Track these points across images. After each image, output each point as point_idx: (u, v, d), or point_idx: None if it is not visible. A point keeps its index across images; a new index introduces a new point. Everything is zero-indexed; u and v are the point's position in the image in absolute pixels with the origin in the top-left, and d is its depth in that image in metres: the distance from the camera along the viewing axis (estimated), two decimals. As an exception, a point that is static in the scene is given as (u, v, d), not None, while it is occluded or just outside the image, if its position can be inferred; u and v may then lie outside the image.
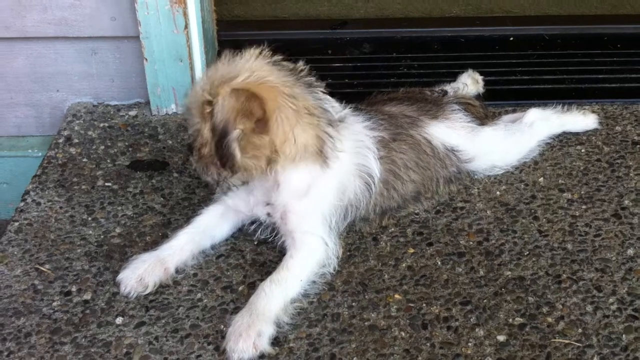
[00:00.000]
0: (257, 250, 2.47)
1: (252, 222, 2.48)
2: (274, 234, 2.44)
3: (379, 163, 2.46)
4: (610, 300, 2.26)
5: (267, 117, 2.20)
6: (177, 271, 2.37)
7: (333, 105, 2.39)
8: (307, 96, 2.30)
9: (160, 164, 2.87)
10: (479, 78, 3.13)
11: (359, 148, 2.43)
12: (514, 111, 3.04)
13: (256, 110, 2.18)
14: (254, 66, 2.25)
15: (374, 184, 2.45)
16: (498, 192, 2.67)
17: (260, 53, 2.30)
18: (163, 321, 2.23)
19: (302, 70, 2.33)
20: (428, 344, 2.14)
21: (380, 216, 2.54)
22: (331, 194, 2.39)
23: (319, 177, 2.35)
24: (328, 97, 2.38)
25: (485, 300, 2.26)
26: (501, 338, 2.15)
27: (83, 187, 2.76)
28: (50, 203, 2.68)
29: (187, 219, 2.50)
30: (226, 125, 2.17)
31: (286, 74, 2.29)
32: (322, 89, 2.36)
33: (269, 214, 2.42)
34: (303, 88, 2.31)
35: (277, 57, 2.32)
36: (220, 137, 2.18)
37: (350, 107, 2.53)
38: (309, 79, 2.34)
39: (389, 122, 2.57)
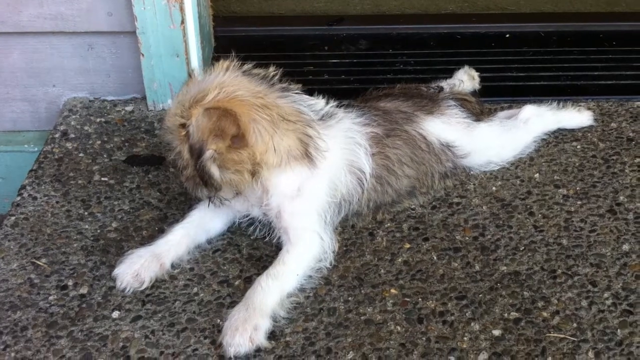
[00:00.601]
0: (254, 245, 2.47)
1: (250, 224, 2.49)
2: (270, 231, 2.44)
3: (370, 159, 2.46)
4: (605, 295, 2.27)
5: (242, 132, 2.21)
6: (172, 266, 2.38)
7: (311, 104, 2.40)
8: (281, 102, 2.30)
9: (156, 159, 2.87)
10: (475, 74, 3.14)
11: (349, 144, 2.44)
12: (509, 107, 3.05)
13: (229, 127, 2.19)
14: (223, 81, 2.25)
15: (366, 180, 2.46)
16: (494, 188, 2.68)
17: (229, 65, 2.30)
18: (159, 315, 2.23)
19: (274, 76, 2.34)
20: (424, 338, 2.15)
21: (374, 211, 2.55)
22: (323, 191, 2.40)
23: (308, 177, 2.36)
24: (305, 97, 2.38)
25: (480, 295, 2.27)
26: (496, 332, 2.16)
27: (79, 181, 2.76)
28: (46, 197, 2.68)
29: (184, 214, 2.50)
30: (201, 147, 2.19)
31: (258, 83, 2.30)
32: (296, 91, 2.36)
33: (264, 214, 2.42)
34: (277, 94, 2.31)
35: (247, 67, 2.32)
36: (197, 157, 2.20)
37: (343, 104, 2.54)
38: (281, 84, 2.34)
39: (383, 118, 2.58)
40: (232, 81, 2.26)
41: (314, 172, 2.35)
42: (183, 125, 2.20)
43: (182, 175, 2.33)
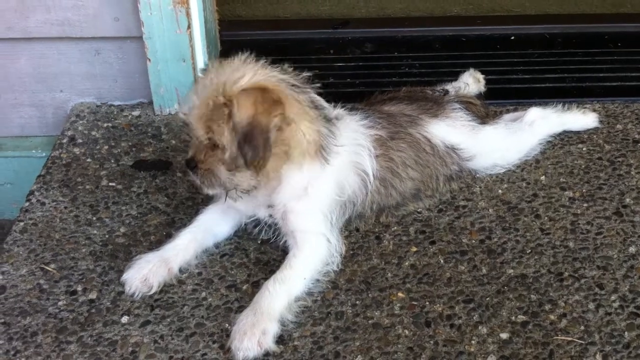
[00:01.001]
0: (261, 249, 2.48)
1: (255, 225, 2.49)
2: (277, 234, 2.45)
3: (374, 161, 2.47)
4: (612, 297, 2.27)
5: (285, 112, 2.23)
6: (180, 270, 2.39)
7: (324, 105, 2.41)
8: (301, 97, 2.32)
9: (163, 163, 2.88)
10: (480, 77, 3.15)
11: (354, 146, 2.45)
12: (515, 110, 3.05)
13: (276, 106, 2.20)
14: (252, 67, 2.26)
15: (369, 182, 2.47)
16: (500, 191, 2.69)
17: (246, 58, 2.30)
18: (168, 320, 2.25)
19: (291, 71, 2.35)
20: (431, 342, 2.16)
21: (377, 214, 2.55)
22: (331, 190, 2.41)
23: (317, 175, 2.37)
24: (318, 97, 2.40)
25: (488, 298, 2.28)
26: (504, 336, 2.17)
27: (87, 187, 2.77)
28: (54, 203, 2.70)
29: (191, 219, 2.51)
30: (255, 122, 2.17)
31: (279, 74, 2.31)
32: (314, 88, 2.37)
33: (270, 216, 2.43)
34: (298, 87, 2.33)
35: (263, 60, 2.32)
36: (244, 137, 2.18)
37: (348, 107, 2.55)
38: (301, 77, 2.36)
39: (388, 121, 2.58)
40: (259, 69, 2.27)
41: (325, 169, 2.36)
42: (225, 105, 2.18)
43: (204, 166, 2.27)
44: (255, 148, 2.19)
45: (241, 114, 2.17)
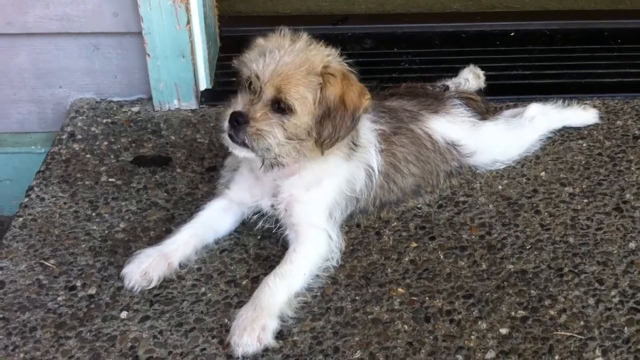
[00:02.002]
0: (261, 245, 2.48)
1: (255, 214, 2.48)
2: (277, 226, 2.44)
3: (379, 156, 2.47)
4: (612, 293, 2.27)
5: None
6: (180, 266, 2.39)
7: None
8: None
9: (163, 159, 2.88)
10: (481, 73, 3.14)
11: (363, 141, 2.45)
12: (515, 106, 3.05)
13: (365, 91, 2.28)
14: (324, 49, 2.32)
15: (375, 177, 2.47)
16: (500, 187, 2.68)
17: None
18: (167, 315, 2.24)
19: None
20: (431, 337, 2.15)
21: (379, 209, 2.55)
22: (343, 185, 2.42)
23: (336, 167, 2.38)
24: None
25: (487, 294, 2.28)
26: (504, 331, 2.16)
27: (87, 182, 2.77)
28: (54, 199, 2.69)
29: (191, 214, 2.51)
30: (348, 102, 2.22)
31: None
32: None
33: (273, 206, 2.42)
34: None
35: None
36: (330, 112, 2.21)
37: None
38: None
39: (390, 116, 2.59)
40: (332, 54, 2.33)
41: (348, 162, 2.40)
42: (321, 75, 2.21)
43: (268, 124, 2.21)
44: (336, 127, 2.22)
45: (336, 90, 2.21)
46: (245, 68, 2.26)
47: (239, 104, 2.23)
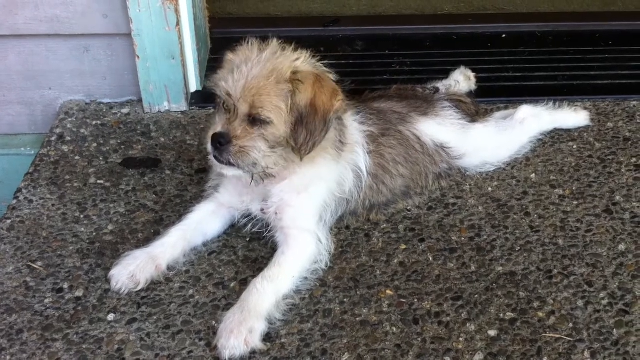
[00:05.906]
0: (249, 247, 2.47)
1: (245, 217, 2.47)
2: (266, 229, 2.43)
3: (368, 157, 2.47)
4: (601, 295, 2.26)
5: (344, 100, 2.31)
6: (168, 268, 2.38)
7: None
8: None
9: (152, 161, 2.87)
10: (471, 75, 3.14)
11: (350, 142, 2.44)
12: (505, 108, 3.05)
13: (337, 92, 2.27)
14: (295, 54, 2.30)
15: (364, 178, 2.46)
16: (490, 189, 2.68)
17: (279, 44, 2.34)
18: (155, 317, 2.23)
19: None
20: (419, 339, 2.15)
21: (368, 211, 2.54)
22: (332, 187, 2.41)
23: (326, 169, 2.37)
24: None
25: (476, 296, 2.27)
26: (492, 333, 2.16)
27: (75, 184, 2.76)
28: (42, 201, 2.68)
29: (179, 216, 2.50)
30: (318, 105, 2.21)
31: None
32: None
33: (263, 210, 2.41)
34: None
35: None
36: (303, 117, 2.21)
37: None
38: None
39: (378, 117, 2.59)
40: (304, 57, 2.31)
41: (337, 163, 2.39)
42: (289, 82, 2.20)
43: (250, 139, 2.22)
44: (310, 132, 2.22)
45: (306, 95, 2.20)
46: (217, 88, 2.28)
47: (218, 124, 2.27)
